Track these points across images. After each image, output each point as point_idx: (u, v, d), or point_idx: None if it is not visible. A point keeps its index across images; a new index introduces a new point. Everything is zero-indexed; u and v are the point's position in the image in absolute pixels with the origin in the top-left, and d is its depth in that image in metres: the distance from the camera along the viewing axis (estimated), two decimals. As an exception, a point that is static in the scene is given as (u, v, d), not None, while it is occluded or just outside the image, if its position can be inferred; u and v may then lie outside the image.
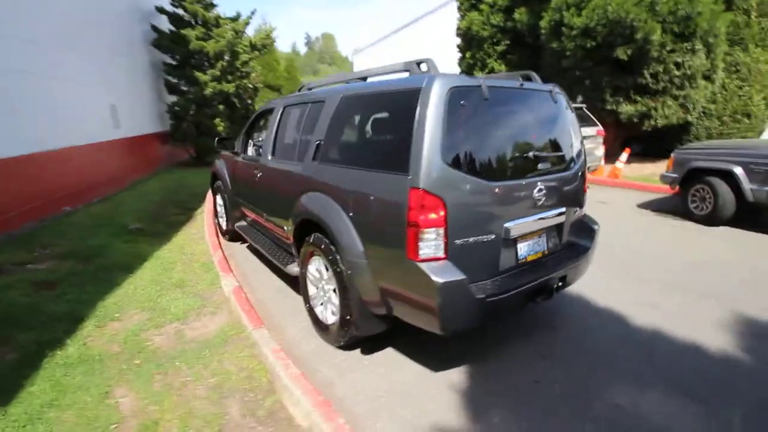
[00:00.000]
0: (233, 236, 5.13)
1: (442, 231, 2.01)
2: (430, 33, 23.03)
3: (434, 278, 1.96)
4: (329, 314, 2.81)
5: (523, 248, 2.41)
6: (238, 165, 4.41)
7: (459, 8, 12.41)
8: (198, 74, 10.57)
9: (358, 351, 2.76)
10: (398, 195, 2.05)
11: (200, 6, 10.59)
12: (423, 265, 2.00)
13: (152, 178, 9.67)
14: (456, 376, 2.51)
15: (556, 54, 9.23)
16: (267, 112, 4.23)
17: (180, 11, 10.64)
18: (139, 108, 9.63)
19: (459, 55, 13.01)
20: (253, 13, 11.65)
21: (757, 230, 5.21)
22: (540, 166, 2.43)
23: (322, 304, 2.92)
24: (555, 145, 2.58)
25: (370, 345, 2.76)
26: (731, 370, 2.52)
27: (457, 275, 2.00)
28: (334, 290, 2.70)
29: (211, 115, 11.37)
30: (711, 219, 5.46)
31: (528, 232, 2.40)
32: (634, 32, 7.81)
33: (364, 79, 2.84)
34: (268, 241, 3.94)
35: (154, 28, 10.19)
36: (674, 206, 6.36)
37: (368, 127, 2.48)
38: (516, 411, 2.21)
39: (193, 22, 10.85)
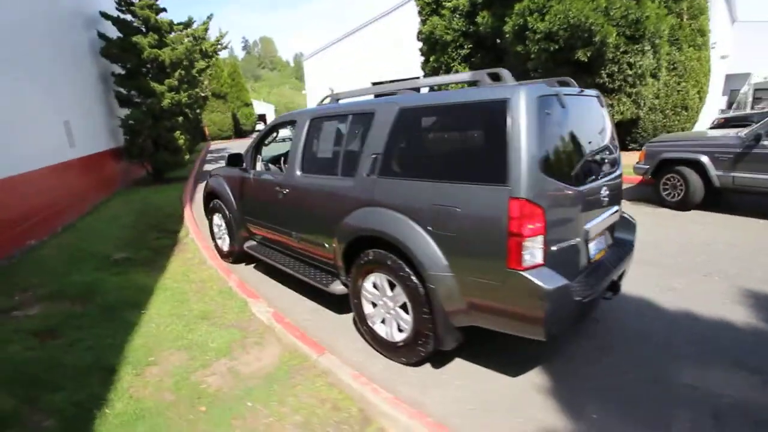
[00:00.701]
0: (237, 258, 4.83)
1: (541, 239, 2.03)
2: (384, 36, 23.22)
3: (542, 285, 1.98)
4: (395, 331, 2.74)
5: (592, 248, 2.50)
6: (248, 182, 4.15)
7: (420, 13, 12.65)
8: (154, 85, 9.82)
9: (427, 367, 2.72)
10: (495, 206, 2.05)
11: (151, 11, 9.84)
12: (527, 274, 2.01)
13: (113, 199, 8.82)
14: (536, 379, 2.56)
15: (520, 57, 9.70)
16: (281, 126, 4.04)
17: (128, 17, 9.82)
18: (92, 124, 8.75)
19: (422, 58, 13.25)
20: (209, 17, 10.99)
21: (723, 212, 5.83)
22: (603, 167, 2.55)
23: (382, 321, 2.84)
24: (609, 147, 2.72)
25: (438, 359, 2.73)
26: (765, 338, 2.82)
27: (561, 280, 2.05)
28: (403, 306, 2.63)
29: (170, 128, 10.62)
30: (683, 204, 6.03)
31: (597, 232, 2.50)
32: (592, 35, 8.42)
33: (417, 89, 2.80)
34: (293, 260, 3.75)
35: (102, 36, 9.31)
36: (645, 194, 6.95)
37: (443, 140, 2.44)
38: (605, 405, 2.30)
39: (143, 29, 10.05)
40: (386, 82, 25.60)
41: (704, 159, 5.73)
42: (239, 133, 41.64)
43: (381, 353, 2.86)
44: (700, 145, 5.87)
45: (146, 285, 4.16)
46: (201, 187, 11.03)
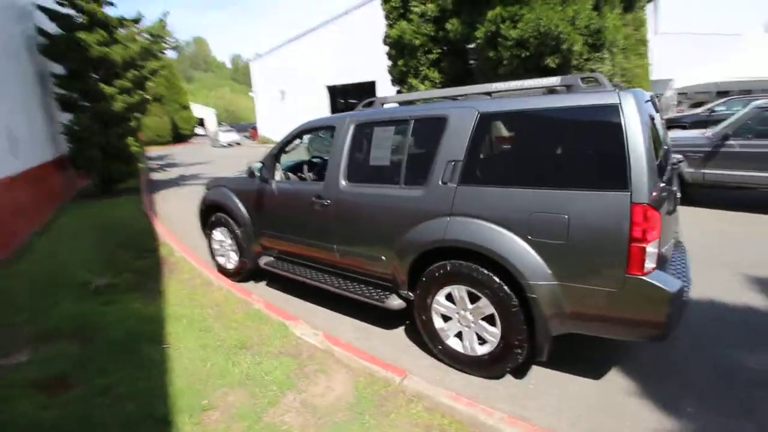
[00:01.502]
0: (247, 276, 4.41)
1: (657, 242, 2.04)
2: (338, 39, 22.92)
3: (666, 288, 1.99)
4: (475, 345, 2.63)
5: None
6: (268, 194, 3.80)
7: (387, 17, 12.61)
8: (103, 86, 8.79)
9: (509, 378, 2.64)
10: (615, 212, 2.02)
11: (97, 4, 8.79)
12: (648, 278, 2.01)
13: (63, 216, 7.71)
14: (618, 379, 2.59)
15: (491, 62, 10.02)
16: (307, 132, 3.74)
17: (71, 11, 8.68)
18: (34, 131, 7.60)
19: (389, 62, 13.23)
20: (165, 14, 10.03)
21: (695, 205, 6.43)
22: (668, 165, 2.64)
23: (457, 335, 2.72)
24: (669, 146, 2.83)
25: (517, 369, 2.66)
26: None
27: (677, 281, 2.07)
28: (486, 318, 2.53)
29: (122, 135, 9.57)
30: (658, 200, 6.57)
31: (673, 229, 2.58)
32: (560, 43, 8.92)
33: (489, 94, 2.71)
34: (331, 276, 3.48)
35: (42, 32, 8.13)
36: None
37: (542, 146, 2.37)
38: (696, 398, 2.37)
39: (87, 24, 8.94)
40: (341, 85, 25.34)
41: (678, 157, 6.28)
42: (178, 138, 38.94)
43: (456, 368, 2.73)
44: (675, 145, 6.42)
45: (151, 314, 3.63)
46: (162, 198, 10.10)
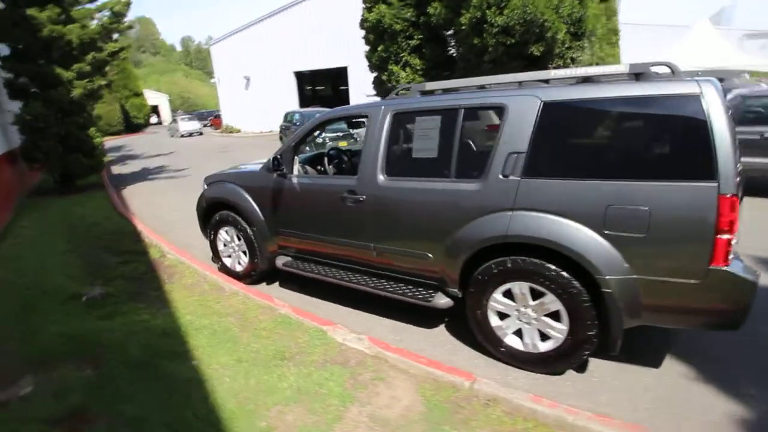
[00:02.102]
0: (259, 278, 4.12)
1: (737, 233, 2.03)
2: (305, 22, 22.01)
3: (749, 278, 2.00)
4: (537, 342, 2.56)
5: None
6: (288, 189, 3.51)
7: (365, 0, 12.19)
8: (59, 71, 7.88)
9: (570, 373, 2.60)
10: (700, 203, 1.98)
11: (46, -23, 7.79)
12: (731, 269, 2.00)
13: (22, 218, 6.89)
14: (678, 368, 2.62)
15: (475, 49, 9.96)
16: (332, 122, 3.47)
17: (15, -17, 7.63)
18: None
19: (367, 48, 12.86)
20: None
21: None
22: None
23: (516, 333, 2.64)
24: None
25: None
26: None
27: (753, 270, 2.07)
28: (551, 315, 2.47)
29: (82, 125, 8.69)
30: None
31: None
32: (544, 31, 8.98)
33: (547, 81, 2.58)
34: (364, 276, 3.29)
35: (-19, 6, 7.10)
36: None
37: (617, 136, 2.28)
38: (753, 380, 2.44)
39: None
40: (310, 71, 24.48)
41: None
42: (131, 127, 36.35)
43: (515, 366, 2.66)
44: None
45: (164, 327, 3.29)
46: (132, 194, 9.31)
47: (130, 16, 9.25)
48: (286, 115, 15.87)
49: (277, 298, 3.69)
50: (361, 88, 21.04)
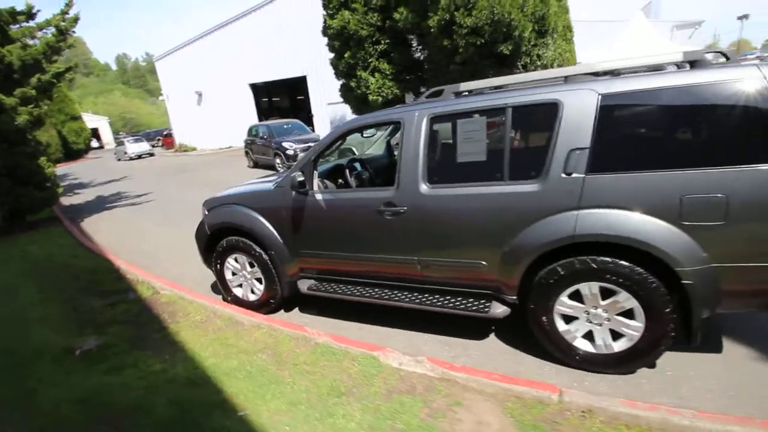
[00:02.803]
0: (277, 306, 3.79)
1: None
2: (258, 31, 21.33)
3: None
4: (611, 342, 2.50)
5: None
6: (311, 207, 3.24)
7: (326, 6, 11.96)
8: (0, 97, 7.02)
9: (642, 370, 2.55)
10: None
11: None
12: None
13: (-29, 264, 6.00)
14: (740, 350, 2.64)
15: (445, 51, 10.04)
16: (353, 132, 3.24)
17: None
18: None
19: (331, 54, 12.64)
20: (68, 4, 8.18)
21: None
22: None
23: (585, 336, 2.56)
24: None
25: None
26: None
27: None
28: (625, 313, 2.40)
29: (31, 155, 7.80)
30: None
31: None
32: (512, 30, 9.21)
33: (596, 74, 2.51)
34: (405, 292, 3.09)
35: None
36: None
37: (686, 124, 2.23)
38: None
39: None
40: (266, 83, 23.77)
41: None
42: (70, 154, 33.59)
43: (586, 370, 2.57)
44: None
45: (187, 375, 2.90)
46: (92, 226, 8.44)
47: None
48: (250, 129, 15.23)
49: (298, 323, 3.40)
50: (322, 98, 20.74)
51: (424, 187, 2.77)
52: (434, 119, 2.76)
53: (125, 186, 14.41)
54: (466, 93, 2.88)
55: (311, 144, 12.89)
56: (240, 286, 3.90)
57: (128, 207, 10.53)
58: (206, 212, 3.94)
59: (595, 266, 2.35)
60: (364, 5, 11.21)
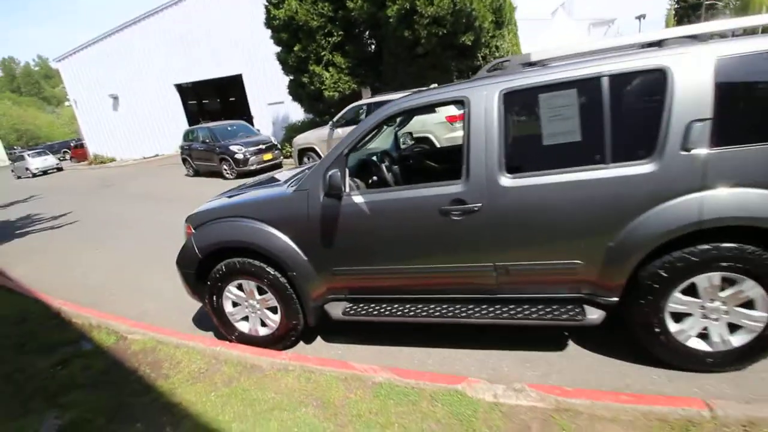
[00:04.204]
0: (297, 339, 3.08)
1: None
2: (183, 27, 19.33)
3: None
4: (728, 337, 2.24)
5: None
6: (347, 213, 2.60)
7: (270, -4, 11.01)
8: None
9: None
10: None
11: None
12: None
13: None
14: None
15: (405, 42, 9.67)
16: (400, 116, 2.65)
17: None
18: None
19: (279, 48, 11.69)
20: None
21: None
22: None
23: (701, 334, 2.27)
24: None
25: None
26: None
27: None
28: (745, 304, 2.14)
29: None
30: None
31: None
32: (472, 20, 9.11)
33: (694, 37, 2.19)
34: (469, 305, 2.59)
35: None
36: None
37: None
38: None
39: None
40: (195, 83, 21.70)
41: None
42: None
43: (701, 371, 2.28)
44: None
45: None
46: (8, 260, 6.74)
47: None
48: (187, 134, 13.63)
49: (328, 355, 2.76)
50: (261, 98, 19.42)
51: (503, 178, 2.28)
52: (509, 95, 2.28)
53: (35, 207, 12.14)
54: (538, 63, 2.44)
55: (262, 146, 11.82)
56: (245, 319, 3.12)
57: (46, 232, 8.75)
58: (193, 231, 3.09)
59: (718, 254, 2.05)
60: (313, -6, 10.46)
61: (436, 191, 2.43)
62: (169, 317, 3.91)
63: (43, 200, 13.50)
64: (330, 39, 10.79)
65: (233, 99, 26.51)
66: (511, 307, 2.51)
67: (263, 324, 3.08)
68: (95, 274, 5.54)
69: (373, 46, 11.13)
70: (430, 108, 2.60)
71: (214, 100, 28.54)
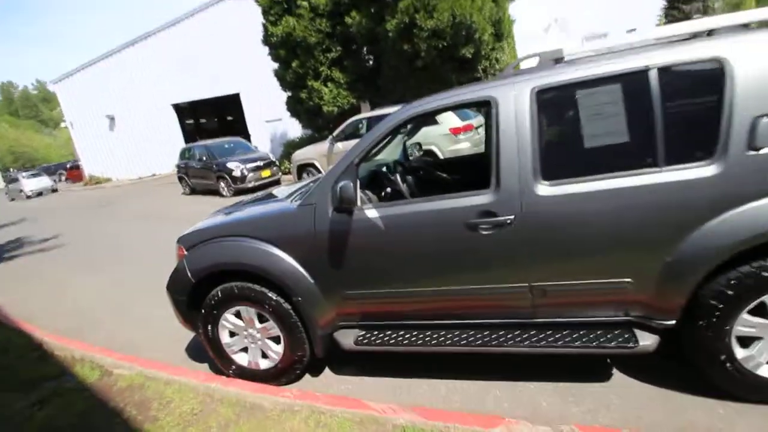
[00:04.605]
0: (303, 371, 2.74)
1: None
2: (181, 47, 19.37)
3: None
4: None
5: None
6: (361, 228, 2.31)
7: (267, 13, 10.94)
8: None
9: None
10: None
11: None
12: None
13: None
14: None
15: (405, 55, 9.57)
16: (415, 120, 2.39)
17: None
18: None
19: (276, 64, 11.59)
20: None
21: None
22: None
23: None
24: None
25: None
26: None
27: None
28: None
29: None
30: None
31: None
32: (472, 33, 9.03)
33: (746, 25, 1.96)
34: (498, 332, 2.28)
35: None
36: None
37: None
38: None
39: None
40: (192, 102, 21.65)
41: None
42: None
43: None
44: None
45: None
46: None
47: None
48: (183, 152, 13.42)
49: (338, 391, 2.42)
50: (258, 115, 19.34)
51: (539, 186, 2.01)
52: (542, 93, 2.03)
53: (26, 230, 11.78)
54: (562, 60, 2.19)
55: (260, 163, 11.60)
56: (244, 350, 2.79)
57: (33, 255, 8.41)
58: (185, 253, 2.78)
59: (797, 268, 1.76)
60: (311, 11, 10.41)
61: (461, 203, 2.15)
62: (160, 346, 3.57)
63: (36, 222, 13.16)
64: (328, 55, 10.70)
65: (231, 118, 26.51)
66: (549, 333, 2.20)
67: (264, 356, 2.75)
68: (80, 299, 5.18)
69: (371, 61, 11.04)
70: (451, 109, 2.34)
71: (212, 119, 28.54)
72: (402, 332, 2.46)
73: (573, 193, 1.98)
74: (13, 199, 22.93)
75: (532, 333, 2.22)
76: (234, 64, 18.33)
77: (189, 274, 2.69)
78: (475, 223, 2.09)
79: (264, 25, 11.21)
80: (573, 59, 2.16)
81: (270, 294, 2.54)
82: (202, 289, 2.72)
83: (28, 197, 22.07)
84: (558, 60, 2.17)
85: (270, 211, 2.71)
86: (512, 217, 2.04)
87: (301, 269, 2.46)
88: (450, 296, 2.29)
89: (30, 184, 22.33)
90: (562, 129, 2.14)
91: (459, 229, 2.13)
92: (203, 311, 2.73)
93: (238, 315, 2.71)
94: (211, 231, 2.76)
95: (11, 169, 41.00)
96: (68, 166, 30.19)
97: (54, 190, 23.48)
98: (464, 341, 2.28)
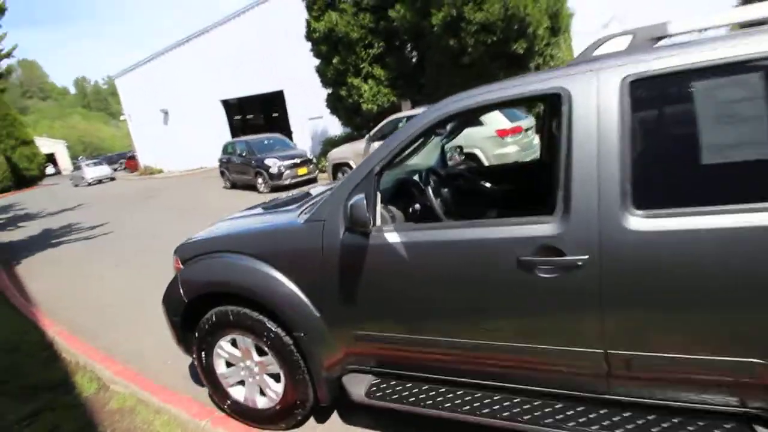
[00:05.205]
0: (306, 416, 2.29)
1: None
2: (229, 45, 19.85)
3: None
4: None
5: None
6: (379, 254, 1.82)
7: (310, 8, 10.74)
8: None
9: None
10: None
11: None
12: None
13: None
14: None
15: (451, 51, 8.95)
16: (455, 118, 1.87)
17: None
18: None
19: (318, 60, 11.37)
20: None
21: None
22: None
23: None
24: None
25: None
26: None
27: None
28: None
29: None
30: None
31: None
32: (525, 26, 8.24)
33: None
34: (558, 405, 1.70)
35: None
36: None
37: None
38: None
39: None
40: (239, 99, 22.19)
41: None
42: (23, 181, 30.63)
43: None
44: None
45: None
46: (27, 273, 6.58)
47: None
48: (225, 147, 13.60)
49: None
50: (301, 113, 19.36)
51: (629, 217, 1.41)
52: (639, 84, 1.43)
53: (79, 216, 12.41)
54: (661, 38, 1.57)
55: (297, 160, 11.43)
56: (241, 383, 2.39)
57: (79, 243, 8.69)
58: (181, 266, 2.43)
59: None
60: (354, 5, 10.05)
61: (513, 232, 1.59)
62: (164, 358, 3.29)
63: (89, 209, 13.88)
64: (370, 51, 10.29)
65: (275, 114, 26.96)
66: (627, 416, 1.60)
67: (262, 392, 2.33)
68: (105, 294, 5.11)
69: (414, 58, 10.51)
70: (504, 105, 1.79)
71: (258, 115, 29.19)
72: (426, 388, 1.94)
73: (680, 230, 1.36)
74: (76, 185, 24.67)
75: (602, 413, 1.63)
76: (279, 61, 18.45)
77: (182, 293, 2.33)
78: (532, 261, 1.54)
79: (307, 21, 11.00)
80: (682, 39, 1.53)
81: (269, 324, 2.12)
82: (199, 309, 2.36)
83: (89, 184, 23.65)
84: (659, 39, 1.55)
85: (273, 225, 2.28)
86: (586, 257, 1.46)
87: (304, 298, 2.02)
88: (490, 352, 1.74)
89: (91, 172, 23.92)
90: (668, 136, 1.52)
91: (509, 267, 1.58)
92: (197, 336, 2.36)
93: (234, 343, 2.32)
94: (210, 243, 2.38)
95: (79, 157, 44.52)
96: (128, 155, 32.20)
97: (112, 179, 25.03)
98: (508, 413, 1.73)
